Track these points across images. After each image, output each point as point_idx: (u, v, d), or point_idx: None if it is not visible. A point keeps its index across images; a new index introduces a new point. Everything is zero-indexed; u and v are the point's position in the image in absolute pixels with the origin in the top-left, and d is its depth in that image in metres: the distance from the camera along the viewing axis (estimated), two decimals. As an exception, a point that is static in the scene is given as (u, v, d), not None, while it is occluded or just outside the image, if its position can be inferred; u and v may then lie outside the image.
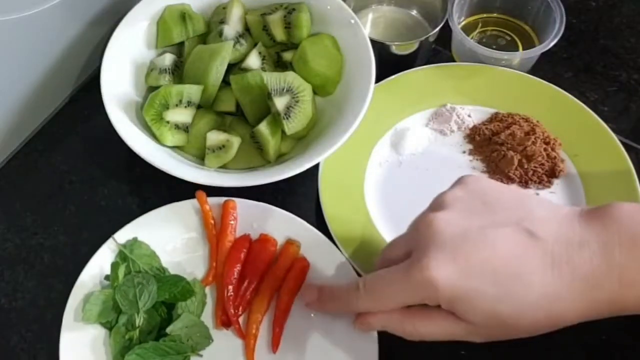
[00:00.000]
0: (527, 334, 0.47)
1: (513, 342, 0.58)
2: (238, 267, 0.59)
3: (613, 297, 0.44)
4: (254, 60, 0.66)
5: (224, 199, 0.61)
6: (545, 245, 0.44)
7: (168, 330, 0.55)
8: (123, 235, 0.59)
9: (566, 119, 0.68)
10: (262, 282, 0.59)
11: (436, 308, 0.47)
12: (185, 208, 0.61)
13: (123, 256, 0.58)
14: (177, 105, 0.63)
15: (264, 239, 0.60)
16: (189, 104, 0.64)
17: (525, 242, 0.45)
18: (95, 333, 0.56)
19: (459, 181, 0.50)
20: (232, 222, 0.61)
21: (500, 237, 0.45)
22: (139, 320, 0.55)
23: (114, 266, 0.57)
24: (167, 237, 0.61)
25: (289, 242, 0.60)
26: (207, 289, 0.60)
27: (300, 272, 0.59)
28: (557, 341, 0.58)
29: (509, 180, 0.65)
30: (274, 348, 0.57)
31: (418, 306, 0.48)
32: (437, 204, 0.49)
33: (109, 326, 0.56)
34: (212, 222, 0.61)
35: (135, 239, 0.59)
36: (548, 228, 0.45)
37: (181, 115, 0.64)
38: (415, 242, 0.48)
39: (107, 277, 0.58)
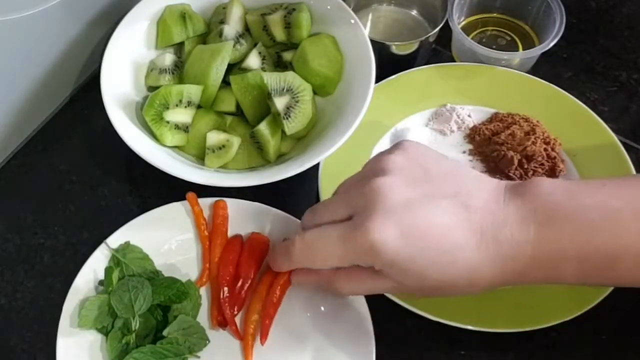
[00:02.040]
0: (446, 295, 0.51)
1: (513, 342, 0.58)
2: (232, 268, 0.59)
3: (525, 270, 0.47)
4: (254, 60, 0.66)
5: (215, 199, 0.61)
6: (476, 220, 0.47)
7: (165, 332, 0.55)
8: (116, 239, 0.59)
9: (566, 119, 0.68)
10: (257, 281, 0.59)
11: (365, 268, 0.49)
12: (178, 209, 0.61)
13: (116, 260, 0.58)
14: (177, 105, 0.63)
15: (256, 238, 0.60)
16: (189, 104, 0.64)
17: (459, 216, 0.47)
18: (92, 338, 0.56)
19: (399, 146, 0.51)
20: (223, 222, 0.61)
21: (440, 209, 0.47)
22: (135, 324, 0.55)
23: (108, 271, 0.57)
24: (161, 239, 0.61)
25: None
26: (202, 290, 0.59)
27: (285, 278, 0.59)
28: (557, 341, 0.58)
29: (509, 180, 0.65)
30: (262, 339, 0.57)
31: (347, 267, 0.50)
32: (379, 169, 0.49)
33: (105, 331, 0.56)
34: (204, 223, 0.61)
35: (127, 243, 0.59)
36: (479, 203, 0.47)
37: (181, 115, 0.64)
38: (359, 205, 0.48)
39: (101, 282, 0.58)
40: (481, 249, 0.46)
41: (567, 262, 0.46)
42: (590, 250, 0.46)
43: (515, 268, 0.47)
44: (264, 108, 0.64)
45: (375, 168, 0.50)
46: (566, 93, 0.69)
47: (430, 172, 0.49)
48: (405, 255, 0.46)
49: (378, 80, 0.66)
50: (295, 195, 0.66)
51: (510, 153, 0.65)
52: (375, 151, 0.67)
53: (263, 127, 0.62)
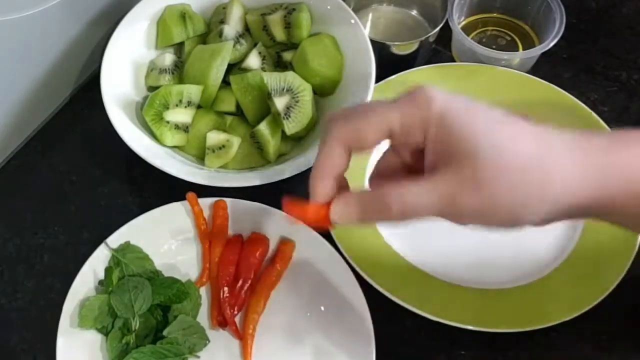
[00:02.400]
0: (490, 206, 0.39)
1: (513, 342, 0.58)
2: (232, 268, 0.59)
3: (602, 180, 0.40)
4: (254, 60, 0.66)
5: (215, 199, 0.61)
6: (539, 128, 0.41)
7: (165, 332, 0.55)
8: (116, 239, 0.59)
9: (566, 119, 0.68)
10: (257, 281, 0.59)
11: (412, 177, 0.41)
12: (178, 209, 0.61)
13: (116, 260, 0.58)
14: (177, 105, 0.63)
15: (256, 238, 0.60)
16: (189, 104, 0.64)
17: (518, 121, 0.42)
18: (92, 339, 0.56)
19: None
20: (223, 222, 0.61)
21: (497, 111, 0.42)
22: (135, 324, 0.55)
23: (108, 271, 0.57)
24: (161, 239, 0.61)
25: (284, 242, 0.60)
26: (202, 290, 0.60)
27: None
28: (557, 341, 0.58)
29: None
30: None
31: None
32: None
33: (105, 331, 0.56)
34: (204, 223, 0.61)
35: (127, 243, 0.59)
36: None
37: (181, 115, 0.64)
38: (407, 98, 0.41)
39: (101, 282, 0.58)
40: (552, 146, 0.39)
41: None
42: None
43: (593, 172, 0.39)
44: (264, 108, 0.64)
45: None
46: (566, 93, 0.69)
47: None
48: (462, 109, 0.39)
49: (378, 80, 0.66)
50: (295, 195, 0.66)
51: (510, 153, 0.65)
52: (375, 152, 0.67)
53: (263, 127, 0.62)
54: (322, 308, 0.58)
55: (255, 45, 0.68)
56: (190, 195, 0.61)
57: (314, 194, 0.44)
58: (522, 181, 0.38)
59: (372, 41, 0.65)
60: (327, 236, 0.60)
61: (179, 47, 0.69)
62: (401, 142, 0.42)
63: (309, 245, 0.60)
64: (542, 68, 0.73)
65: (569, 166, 0.39)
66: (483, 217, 0.39)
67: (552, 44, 0.69)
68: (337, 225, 0.44)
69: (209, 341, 0.57)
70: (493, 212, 0.39)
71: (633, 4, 0.78)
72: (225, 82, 0.65)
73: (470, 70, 0.71)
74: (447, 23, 0.71)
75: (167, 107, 0.63)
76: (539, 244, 0.62)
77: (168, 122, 0.63)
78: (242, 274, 0.59)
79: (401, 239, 0.63)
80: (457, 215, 0.40)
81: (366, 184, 0.64)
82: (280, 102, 0.62)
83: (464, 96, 0.41)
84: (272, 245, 0.61)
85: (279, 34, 0.68)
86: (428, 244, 0.63)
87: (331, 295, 0.58)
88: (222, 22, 0.68)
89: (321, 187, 0.43)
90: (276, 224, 0.61)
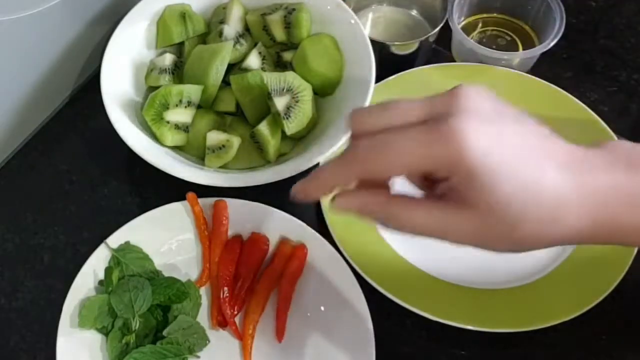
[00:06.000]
0: (518, 239, 0.40)
1: (513, 342, 0.58)
2: (232, 268, 0.59)
3: (615, 211, 0.41)
4: (254, 60, 0.66)
5: (215, 199, 0.61)
6: (561, 152, 0.41)
7: (165, 332, 0.55)
8: (116, 239, 0.59)
9: (566, 119, 0.68)
10: (256, 281, 0.59)
11: (434, 196, 0.41)
12: (178, 209, 0.61)
13: (116, 260, 0.58)
14: (177, 105, 0.63)
15: (256, 238, 0.60)
16: (189, 104, 0.64)
17: (546, 138, 0.41)
18: (92, 339, 0.56)
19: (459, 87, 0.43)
20: (223, 222, 0.61)
21: (528, 129, 0.41)
22: (135, 324, 0.55)
23: (108, 271, 0.57)
24: (161, 239, 0.61)
25: (284, 242, 0.60)
26: (202, 290, 0.60)
27: (299, 259, 0.59)
28: (556, 341, 0.58)
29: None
30: (279, 337, 0.57)
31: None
32: (459, 88, 0.42)
33: (105, 331, 0.56)
34: (204, 223, 0.61)
35: (127, 243, 0.59)
36: (561, 140, 0.42)
37: (181, 115, 0.64)
38: (441, 105, 0.40)
39: (101, 282, 0.58)
40: (568, 178, 0.40)
41: None
42: None
43: (605, 206, 0.40)
44: (264, 108, 0.64)
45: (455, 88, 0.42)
46: (566, 93, 0.69)
47: (508, 107, 0.43)
48: (494, 155, 0.38)
49: (378, 80, 0.66)
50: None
51: (510, 153, 0.65)
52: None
53: (263, 127, 0.62)
54: (322, 308, 0.58)
55: (255, 45, 0.68)
56: (190, 195, 0.61)
57: (307, 193, 0.44)
58: (551, 221, 0.39)
59: (372, 41, 0.65)
60: (328, 236, 0.60)
61: (179, 47, 0.69)
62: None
63: (309, 245, 0.60)
64: (542, 68, 0.73)
65: (574, 206, 0.40)
66: (510, 250, 0.41)
67: (552, 44, 0.69)
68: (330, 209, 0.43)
69: (209, 341, 0.57)
70: (520, 248, 0.41)
71: (633, 4, 0.78)
72: (225, 82, 0.65)
73: (470, 70, 0.71)
74: (447, 23, 0.71)
75: (167, 107, 0.63)
76: (539, 244, 0.62)
77: (168, 122, 0.63)
78: (242, 274, 0.59)
79: (401, 239, 0.62)
80: (475, 246, 0.41)
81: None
82: (280, 102, 0.62)
83: (495, 112, 0.40)
84: (272, 245, 0.61)
85: (279, 34, 0.68)
86: (428, 244, 0.62)
87: (331, 295, 0.58)
88: (222, 22, 0.68)
89: (315, 196, 0.44)
90: (276, 224, 0.61)
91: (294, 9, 0.67)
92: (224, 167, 0.64)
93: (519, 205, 0.39)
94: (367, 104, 0.61)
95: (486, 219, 0.39)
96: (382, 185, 0.42)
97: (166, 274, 0.59)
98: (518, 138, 0.40)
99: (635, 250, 0.59)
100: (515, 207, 0.39)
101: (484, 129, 0.38)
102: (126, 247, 0.59)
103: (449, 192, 0.40)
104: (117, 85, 0.64)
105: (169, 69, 0.66)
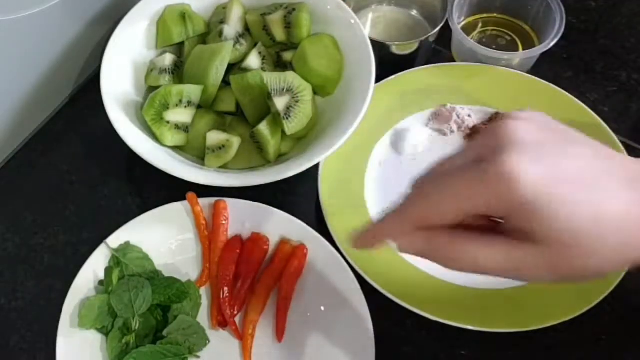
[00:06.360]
0: (595, 267, 0.39)
1: (513, 342, 0.58)
2: (232, 268, 0.59)
3: None
4: (254, 60, 0.66)
5: (215, 199, 0.61)
6: (623, 163, 0.40)
7: (165, 332, 0.55)
8: (116, 239, 0.59)
9: (566, 119, 0.67)
10: (256, 281, 0.59)
11: (490, 232, 0.40)
12: (178, 209, 0.61)
13: (116, 260, 0.58)
14: (177, 105, 0.63)
15: (256, 238, 0.60)
16: (189, 104, 0.64)
17: (606, 157, 0.41)
18: (92, 339, 0.56)
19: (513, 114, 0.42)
20: (223, 222, 0.61)
21: (584, 152, 0.40)
22: (135, 324, 0.55)
23: (108, 271, 0.57)
24: (161, 239, 0.61)
25: (284, 242, 0.60)
26: (202, 290, 0.60)
27: (299, 259, 0.59)
28: (556, 341, 0.58)
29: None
30: (279, 337, 0.57)
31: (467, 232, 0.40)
32: (505, 118, 0.41)
33: (105, 331, 0.56)
34: (204, 223, 0.61)
35: (127, 243, 0.59)
36: (619, 157, 0.41)
37: (181, 115, 0.64)
38: (490, 145, 0.39)
39: (101, 282, 0.58)
40: (635, 196, 0.38)
41: None
42: None
43: None
44: (264, 108, 0.64)
45: (500, 120, 0.41)
46: (566, 93, 0.69)
47: (559, 130, 0.42)
48: (551, 188, 0.37)
49: (378, 80, 0.66)
50: (295, 195, 0.66)
51: (510, 153, 0.65)
52: (375, 151, 0.67)
53: (263, 127, 0.62)
54: (322, 308, 0.58)
55: (255, 45, 0.68)
56: (190, 195, 0.61)
57: (364, 243, 0.43)
58: (626, 243, 0.38)
59: (372, 41, 0.65)
60: (328, 236, 0.60)
61: (179, 47, 0.69)
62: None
63: (309, 245, 0.60)
64: (542, 68, 0.73)
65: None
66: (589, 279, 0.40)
67: (552, 44, 0.69)
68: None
69: (209, 341, 0.57)
70: (599, 276, 0.39)
71: (633, 4, 0.78)
72: (225, 82, 0.65)
73: (470, 70, 0.71)
74: (447, 23, 0.71)
75: (167, 107, 0.63)
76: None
77: (168, 122, 0.63)
78: (242, 274, 0.59)
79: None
80: (553, 282, 0.40)
81: (366, 193, 0.64)
82: (280, 102, 0.62)
83: (545, 150, 0.39)
84: (272, 245, 0.61)
85: (279, 34, 0.68)
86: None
87: (331, 295, 0.58)
88: (222, 22, 0.68)
89: (372, 245, 0.43)
90: (276, 224, 0.61)
91: (294, 9, 0.67)
92: (224, 167, 0.64)
93: (590, 233, 0.37)
94: (367, 104, 0.61)
95: (558, 252, 0.38)
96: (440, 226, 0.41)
97: (166, 274, 0.59)
98: (576, 164, 0.38)
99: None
100: (586, 235, 0.37)
101: (536, 161, 0.37)
102: (126, 247, 0.59)
103: (511, 230, 0.39)
104: (117, 85, 0.64)
105: (169, 69, 0.66)
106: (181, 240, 0.61)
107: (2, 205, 0.66)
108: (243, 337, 0.57)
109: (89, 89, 0.73)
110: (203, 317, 0.59)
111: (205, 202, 0.61)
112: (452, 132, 0.69)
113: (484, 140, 0.40)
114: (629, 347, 0.59)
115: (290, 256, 0.59)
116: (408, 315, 0.57)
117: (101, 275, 0.58)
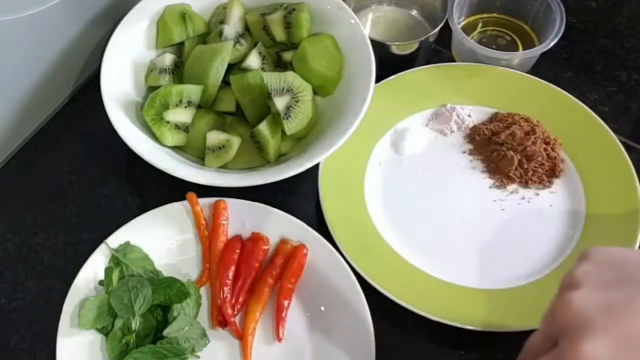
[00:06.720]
0: None
1: (512, 342, 0.58)
2: (232, 268, 0.59)
3: None
4: (254, 60, 0.66)
5: (215, 199, 0.61)
6: None
7: (165, 332, 0.55)
8: (116, 239, 0.59)
9: (566, 119, 0.68)
10: (256, 281, 0.59)
11: None
12: (178, 209, 0.61)
13: (116, 260, 0.58)
14: (177, 105, 0.63)
15: (256, 238, 0.60)
16: (189, 104, 0.64)
17: None
18: (92, 339, 0.56)
19: (583, 256, 0.47)
20: (223, 222, 0.61)
21: None
22: (135, 324, 0.55)
23: (108, 271, 0.57)
24: (161, 239, 0.61)
25: (284, 242, 0.60)
26: (202, 290, 0.60)
27: (299, 259, 0.59)
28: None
29: (509, 180, 0.65)
30: (279, 337, 0.57)
31: None
32: (567, 284, 0.45)
33: (105, 331, 0.56)
34: (204, 223, 0.61)
35: (127, 243, 0.59)
36: None
37: (181, 115, 0.64)
38: (559, 329, 0.43)
39: (101, 282, 0.58)
40: None
41: None
42: None
43: None
44: (264, 108, 0.64)
45: (564, 284, 0.46)
46: (566, 93, 0.69)
47: (621, 270, 0.44)
48: None
49: (378, 80, 0.66)
50: (295, 195, 0.66)
51: (510, 153, 0.65)
52: (375, 151, 0.67)
53: (263, 127, 0.62)
54: (322, 308, 0.58)
55: (255, 45, 0.68)
56: (190, 195, 0.61)
57: None
58: None
59: (372, 41, 0.65)
60: (328, 236, 0.60)
61: (179, 47, 0.69)
62: None
63: (309, 245, 0.60)
64: (542, 68, 0.73)
65: None
66: None
67: (552, 44, 0.69)
68: None
69: (209, 341, 0.57)
70: None
71: (633, 4, 0.78)
72: (225, 82, 0.65)
73: (470, 70, 0.71)
74: (447, 23, 0.71)
75: (167, 107, 0.63)
76: (539, 244, 0.62)
77: (168, 122, 0.63)
78: (242, 274, 0.59)
79: (402, 239, 0.63)
80: None
81: (366, 193, 0.64)
82: (280, 102, 0.62)
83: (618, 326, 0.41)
84: (272, 245, 0.61)
85: (279, 34, 0.68)
86: (429, 244, 0.63)
87: (331, 295, 0.58)
88: (222, 22, 0.68)
89: None
90: (276, 224, 0.61)
91: (294, 9, 0.67)
92: (224, 167, 0.64)
93: None
94: (367, 104, 0.61)
95: None
96: None
97: (166, 274, 0.59)
98: (635, 323, 0.40)
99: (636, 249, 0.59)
100: None
101: (601, 339, 0.40)
102: (126, 247, 0.59)
103: None
104: (117, 85, 0.64)
105: (169, 69, 0.66)
106: (181, 240, 0.61)
107: (2, 205, 0.66)
108: (243, 337, 0.57)
109: (89, 89, 0.73)
110: (203, 317, 0.59)
111: (205, 202, 0.61)
112: (452, 132, 0.69)
113: (550, 323, 0.44)
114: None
115: (290, 256, 0.59)
116: (408, 315, 0.57)
117: (101, 275, 0.58)
